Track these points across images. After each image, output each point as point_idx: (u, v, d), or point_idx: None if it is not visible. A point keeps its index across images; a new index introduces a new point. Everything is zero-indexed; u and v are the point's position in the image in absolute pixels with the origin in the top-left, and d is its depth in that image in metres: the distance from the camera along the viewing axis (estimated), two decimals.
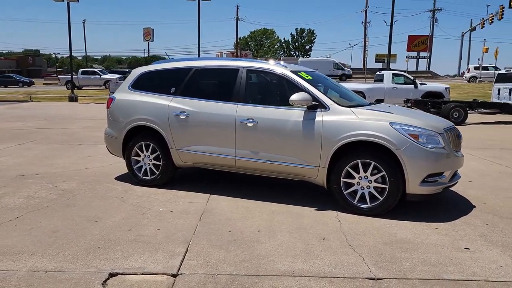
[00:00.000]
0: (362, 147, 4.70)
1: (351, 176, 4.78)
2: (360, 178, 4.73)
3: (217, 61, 5.81)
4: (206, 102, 5.50)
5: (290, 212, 4.85)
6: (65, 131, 12.00)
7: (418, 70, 55.06)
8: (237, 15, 58.33)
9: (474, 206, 5.15)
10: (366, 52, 40.66)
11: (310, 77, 5.34)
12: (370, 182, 4.70)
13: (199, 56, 43.62)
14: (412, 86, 17.70)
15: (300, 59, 41.15)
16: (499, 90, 15.84)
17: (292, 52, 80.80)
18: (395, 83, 17.98)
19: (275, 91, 5.56)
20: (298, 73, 5.34)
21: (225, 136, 5.31)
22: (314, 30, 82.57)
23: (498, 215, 4.82)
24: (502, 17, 39.96)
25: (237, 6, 61.32)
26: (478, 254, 3.74)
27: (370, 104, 5.61)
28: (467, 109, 14.47)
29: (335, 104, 4.93)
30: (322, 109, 4.90)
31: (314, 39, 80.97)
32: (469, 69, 42.83)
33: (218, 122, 5.34)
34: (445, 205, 5.18)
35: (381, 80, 18.37)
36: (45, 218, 4.58)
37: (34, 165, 7.34)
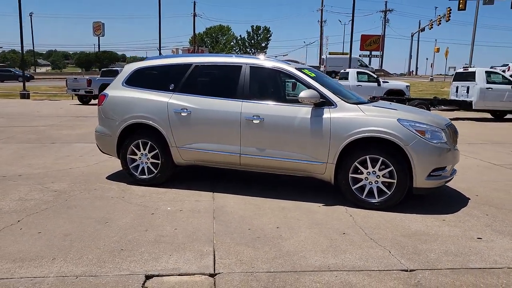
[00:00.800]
0: (370, 143, 4.81)
1: (359, 172, 4.89)
2: (368, 174, 4.85)
3: (218, 58, 5.75)
4: (209, 99, 5.43)
5: (300, 208, 4.90)
6: (30, 129, 11.44)
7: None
8: (194, 10, 57.68)
9: (469, 198, 5.42)
10: (326, 50, 41.39)
11: (314, 75, 5.40)
12: (378, 177, 4.83)
13: (160, 53, 42.72)
14: (376, 84, 18.27)
15: (328, 56, 41.03)
16: (457, 88, 16.67)
17: (248, 50, 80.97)
18: (360, 81, 18.48)
19: (280, 88, 5.58)
20: (302, 70, 5.38)
21: (230, 133, 5.27)
22: (269, 27, 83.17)
23: (493, 206, 5.10)
24: (449, 19, 41.95)
25: (194, 1, 60.62)
26: (492, 243, 3.95)
27: (370, 101, 5.74)
28: (429, 106, 15.14)
29: (342, 101, 5.02)
30: (330, 106, 4.97)
31: (270, 36, 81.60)
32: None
33: (222, 119, 5.29)
34: (443, 198, 5.42)
35: (346, 78, 18.83)
36: (50, 221, 4.36)
37: (12, 165, 6.96)
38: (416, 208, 4.89)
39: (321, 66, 24.37)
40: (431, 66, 42.36)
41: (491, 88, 15.21)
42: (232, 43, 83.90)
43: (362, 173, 4.88)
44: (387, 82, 19.29)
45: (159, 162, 5.67)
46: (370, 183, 4.87)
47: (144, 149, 5.72)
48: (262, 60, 5.50)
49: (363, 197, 4.89)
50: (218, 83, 5.65)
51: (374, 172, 4.83)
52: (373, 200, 4.85)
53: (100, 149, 6.24)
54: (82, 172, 6.56)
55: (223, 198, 5.23)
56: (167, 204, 4.99)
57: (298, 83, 5.29)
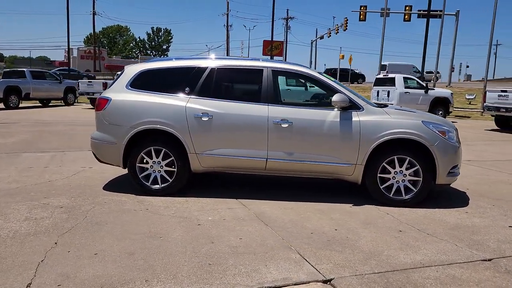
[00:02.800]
0: (398, 144, 5.10)
1: (386, 172, 5.15)
2: (395, 173, 5.14)
3: (236, 61, 5.61)
4: (232, 103, 5.29)
5: (335, 209, 5.01)
6: None
7: None
8: (94, 8, 54.35)
9: (464, 192, 6.00)
10: (241, 54, 41.80)
11: (333, 79, 5.56)
12: (404, 176, 5.14)
13: (68, 54, 39.35)
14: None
15: (390, 63, 40.36)
16: (378, 92, 18.11)
17: (148, 52, 78.58)
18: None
19: (304, 92, 5.63)
20: (323, 74, 5.51)
21: (256, 138, 5.20)
22: (171, 30, 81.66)
23: (490, 198, 5.72)
24: (346, 28, 45.18)
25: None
26: None
27: (382, 105, 6.04)
28: None
29: (368, 104, 5.25)
30: (357, 110, 5.16)
31: (171, 39, 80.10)
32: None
33: (248, 124, 5.19)
34: (442, 193, 5.90)
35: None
36: (92, 240, 3.91)
37: None
38: (431, 203, 5.26)
39: (381, 72, 24.80)
40: (335, 71, 45.13)
41: (408, 92, 16.76)
42: (131, 45, 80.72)
43: (389, 172, 5.15)
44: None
45: (175, 170, 5.36)
46: (398, 182, 5.16)
47: (157, 157, 5.36)
48: (284, 64, 5.50)
49: (391, 195, 5.16)
50: (239, 87, 5.53)
51: (401, 171, 5.13)
52: (401, 198, 5.14)
53: (98, 159, 5.69)
54: (68, 184, 5.92)
55: (252, 204, 5.13)
56: (202, 213, 4.75)
57: (324, 87, 5.38)
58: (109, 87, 5.78)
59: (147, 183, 5.40)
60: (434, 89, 18.39)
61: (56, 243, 3.82)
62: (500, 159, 9.09)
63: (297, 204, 5.16)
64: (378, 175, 5.14)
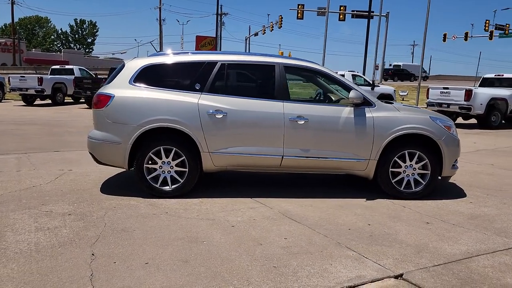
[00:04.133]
0: (408, 139, 5.28)
1: (397, 166, 5.32)
2: (406, 167, 5.32)
3: (247, 56, 5.45)
4: (246, 100, 5.15)
5: (353, 204, 5.08)
6: None
7: None
8: None
9: (454, 183, 6.36)
10: (181, 49, 40.70)
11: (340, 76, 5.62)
12: (414, 169, 5.34)
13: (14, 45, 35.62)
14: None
15: (404, 63, 38.35)
16: None
17: (72, 45, 74.12)
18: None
19: (316, 88, 5.62)
20: (332, 71, 5.55)
21: (272, 135, 5.12)
22: (96, 22, 77.61)
23: (480, 187, 6.11)
24: (281, 26, 45.90)
25: None
26: None
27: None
28: None
29: (378, 101, 5.38)
30: (369, 106, 5.27)
31: (96, 32, 76.13)
32: None
33: (264, 121, 5.09)
34: (437, 185, 6.19)
35: None
36: (132, 248, 3.62)
37: None
38: (434, 195, 5.49)
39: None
40: None
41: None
42: (52, 37, 75.56)
43: (400, 166, 5.32)
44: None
45: (186, 170, 5.11)
46: (408, 176, 5.34)
47: (167, 157, 5.08)
48: (295, 60, 5.45)
49: (401, 188, 5.33)
50: (251, 83, 5.40)
51: (411, 165, 5.32)
52: (411, 191, 5.33)
53: (97, 160, 5.26)
54: (58, 189, 5.43)
55: (270, 202, 5.05)
56: (227, 214, 4.59)
57: (337, 83, 5.42)
58: (107, 82, 5.36)
59: (156, 185, 5.10)
60: (379, 86, 19.34)
61: (93, 254, 3.47)
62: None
63: (313, 201, 5.15)
64: (390, 169, 5.28)
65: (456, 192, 5.77)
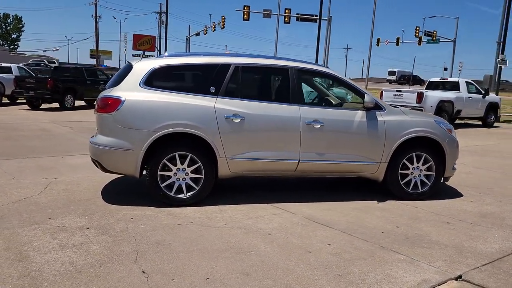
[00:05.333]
0: (415, 142, 5.47)
1: (405, 168, 5.49)
2: (413, 169, 5.51)
3: (260, 59, 5.33)
4: (263, 104, 5.07)
5: (370, 207, 5.16)
6: None
7: None
8: None
9: (444, 182, 6.68)
10: (125, 48, 38.97)
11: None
12: (420, 171, 5.54)
13: None
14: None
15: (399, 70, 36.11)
16: None
17: None
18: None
19: (329, 92, 5.63)
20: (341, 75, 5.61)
21: (289, 139, 5.08)
22: (22, 17, 72.41)
23: (471, 186, 6.46)
24: (224, 27, 45.79)
25: None
26: None
27: None
28: None
29: (388, 105, 5.52)
30: (380, 110, 5.39)
31: (22, 27, 71.07)
32: None
33: (281, 125, 5.04)
34: None
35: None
36: (180, 263, 3.41)
37: None
38: (435, 195, 5.73)
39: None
40: None
41: None
42: None
43: (408, 168, 5.49)
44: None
45: (202, 176, 4.92)
46: (415, 177, 5.53)
47: (182, 163, 4.86)
48: (307, 64, 5.44)
49: (409, 190, 5.51)
50: (266, 86, 5.31)
51: (417, 167, 5.51)
52: (418, 191, 5.52)
53: (103, 168, 4.90)
54: (56, 200, 5.01)
55: (291, 207, 4.99)
56: (256, 222, 4.47)
57: (349, 87, 5.48)
58: (111, 84, 5.02)
59: (170, 193, 4.85)
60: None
61: (144, 272, 3.23)
62: None
63: (329, 205, 5.17)
64: (400, 171, 5.43)
65: (452, 192, 6.05)
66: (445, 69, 50.55)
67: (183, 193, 4.88)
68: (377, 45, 49.86)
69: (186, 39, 52.58)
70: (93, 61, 57.19)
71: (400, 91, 16.03)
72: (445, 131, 5.55)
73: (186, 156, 4.82)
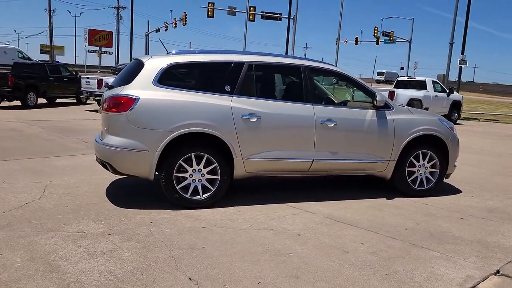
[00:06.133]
0: (421, 140, 5.59)
1: (412, 165, 5.61)
2: (419, 166, 5.64)
3: (271, 57, 5.24)
4: (278, 103, 5.03)
5: (382, 204, 5.23)
6: None
7: (103, 65, 55.11)
8: None
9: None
10: (85, 44, 37.49)
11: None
12: (426, 168, 5.68)
13: None
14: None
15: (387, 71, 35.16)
16: None
17: None
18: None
19: (340, 91, 5.63)
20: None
21: (304, 139, 5.06)
22: None
23: (464, 182, 6.69)
24: (185, 23, 45.12)
25: None
26: None
27: None
28: None
29: (395, 104, 5.61)
30: (388, 109, 5.47)
31: None
32: None
33: (297, 124, 5.01)
34: None
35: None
36: (225, 268, 3.31)
37: None
38: (439, 191, 5.91)
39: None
40: None
41: None
42: None
43: (414, 166, 5.61)
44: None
45: (218, 177, 4.80)
46: (421, 174, 5.66)
47: (198, 164, 4.72)
48: (317, 63, 5.42)
49: (416, 187, 5.64)
50: (280, 85, 5.24)
51: (423, 165, 5.64)
52: (424, 188, 5.66)
53: (114, 170, 4.68)
54: (62, 205, 4.74)
55: (308, 207, 4.97)
56: (280, 222, 4.42)
57: (359, 86, 5.52)
58: (121, 82, 4.80)
59: (186, 195, 4.70)
60: None
61: (191, 279, 3.11)
62: None
63: (343, 203, 5.20)
64: (407, 169, 5.54)
65: (451, 188, 6.23)
66: (402, 68, 52.31)
67: (199, 194, 4.74)
68: (336, 44, 50.81)
69: (146, 35, 51.37)
70: (44, 57, 54.79)
71: None
72: (448, 129, 5.71)
73: (202, 157, 4.69)
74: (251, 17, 33.22)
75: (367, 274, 3.27)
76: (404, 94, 15.77)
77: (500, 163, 8.66)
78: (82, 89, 17.29)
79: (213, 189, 4.76)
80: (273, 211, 4.74)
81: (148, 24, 54.45)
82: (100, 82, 16.14)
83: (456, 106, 17.87)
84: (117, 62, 57.60)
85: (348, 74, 5.52)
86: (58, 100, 19.10)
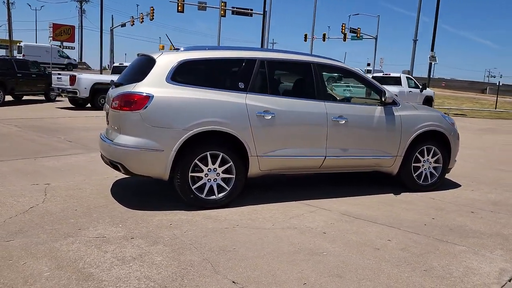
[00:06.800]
0: (426, 135, 5.69)
1: (417, 161, 5.71)
2: (424, 162, 5.74)
3: (281, 54, 5.17)
4: (291, 100, 4.98)
5: (392, 200, 5.30)
6: None
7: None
8: None
9: None
10: (49, 39, 35.94)
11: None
12: (430, 163, 5.79)
13: None
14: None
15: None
16: None
17: None
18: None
19: (349, 87, 5.63)
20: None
21: (317, 136, 5.04)
22: None
23: (460, 176, 6.87)
24: (153, 18, 44.20)
25: None
26: None
27: None
28: None
29: (402, 100, 5.69)
30: (395, 105, 5.53)
31: None
32: None
33: (310, 121, 4.99)
34: None
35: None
36: (264, 269, 3.24)
37: None
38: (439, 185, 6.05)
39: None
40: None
41: None
42: None
43: (419, 161, 5.71)
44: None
45: (233, 176, 4.72)
46: (425, 170, 5.77)
47: (213, 163, 4.62)
48: (327, 60, 5.40)
49: (420, 182, 5.74)
50: (291, 82, 5.19)
51: (427, 160, 5.75)
52: (428, 183, 5.77)
53: (127, 171, 4.50)
54: (70, 208, 4.53)
55: (323, 204, 4.95)
56: (301, 220, 4.39)
57: (367, 83, 5.54)
58: (132, 80, 4.62)
59: (201, 195, 4.59)
60: None
61: (235, 282, 3.02)
62: None
63: (355, 199, 5.23)
64: (413, 164, 5.63)
65: (449, 182, 6.38)
66: (368, 64, 53.29)
67: (214, 194, 4.64)
68: (305, 40, 51.20)
69: (111, 30, 50.05)
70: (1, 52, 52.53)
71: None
72: (450, 124, 5.84)
73: (218, 156, 4.58)
74: (222, 12, 32.94)
75: (407, 271, 3.28)
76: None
77: (484, 157, 8.95)
78: (53, 85, 16.66)
79: (229, 189, 4.67)
80: (289, 210, 4.70)
81: (112, 19, 52.78)
82: (73, 78, 15.63)
83: (428, 101, 18.41)
84: (80, 58, 55.98)
85: (355, 71, 5.54)
86: (25, 98, 18.36)
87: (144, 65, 4.64)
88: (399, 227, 4.26)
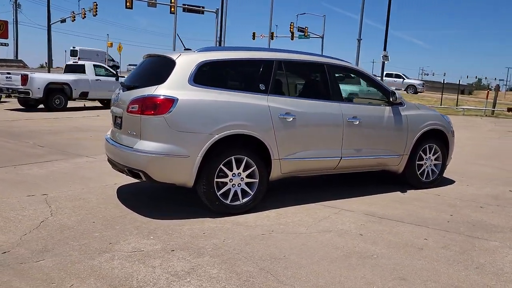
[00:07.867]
0: (428, 134, 5.88)
1: (421, 159, 5.88)
2: (426, 160, 5.93)
3: (295, 55, 5.09)
4: (309, 101, 4.95)
5: (403, 198, 5.41)
6: None
7: (3, 58, 49.98)
8: None
9: None
10: None
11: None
12: (431, 161, 5.99)
13: None
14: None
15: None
16: None
17: None
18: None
19: (360, 88, 5.67)
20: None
21: (334, 137, 5.05)
22: None
23: (452, 172, 7.16)
24: (96, 14, 42.45)
25: None
26: None
27: None
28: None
29: (405, 100, 5.83)
30: (401, 105, 5.67)
31: None
32: None
33: (328, 123, 4.99)
34: None
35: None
36: (328, 277, 3.20)
37: None
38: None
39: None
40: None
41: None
42: None
43: (422, 159, 5.89)
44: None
45: (256, 180, 4.61)
46: (427, 167, 5.96)
47: (238, 168, 4.49)
48: (337, 60, 5.41)
49: (423, 179, 5.92)
50: (307, 83, 5.16)
51: (429, 158, 5.95)
52: (430, 180, 5.97)
53: (150, 179, 4.26)
54: (87, 221, 4.22)
55: (342, 205, 4.96)
56: (332, 223, 4.36)
57: (375, 84, 5.62)
58: (150, 82, 4.38)
59: (226, 201, 4.45)
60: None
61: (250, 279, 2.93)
62: None
63: (367, 199, 5.28)
64: (417, 162, 5.79)
65: (443, 178, 6.61)
66: None
67: (238, 199, 4.50)
68: (253, 38, 51.45)
69: (48, 25, 47.26)
70: None
71: None
72: (447, 123, 6.07)
73: (242, 160, 4.45)
74: (172, 9, 32.22)
75: (460, 269, 3.35)
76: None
77: (464, 152, 9.35)
78: (1, 85, 15.50)
79: (252, 193, 4.55)
80: (313, 212, 4.66)
81: (49, 14, 49.12)
82: (25, 78, 14.64)
83: None
84: (16, 56, 52.65)
85: (365, 72, 5.60)
86: None
87: (161, 67, 4.41)
88: (428, 226, 4.35)
